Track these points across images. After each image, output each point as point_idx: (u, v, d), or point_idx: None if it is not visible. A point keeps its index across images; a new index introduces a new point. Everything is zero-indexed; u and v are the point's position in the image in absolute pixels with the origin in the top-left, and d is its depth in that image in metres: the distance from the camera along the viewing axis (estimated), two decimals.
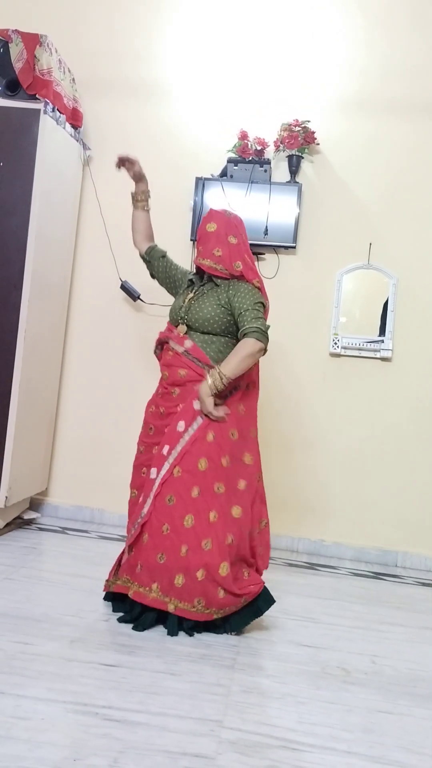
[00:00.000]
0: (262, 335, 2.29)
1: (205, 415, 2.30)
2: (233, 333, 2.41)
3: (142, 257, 2.73)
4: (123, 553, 2.42)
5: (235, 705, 1.82)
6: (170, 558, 2.22)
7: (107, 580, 2.45)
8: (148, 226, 2.74)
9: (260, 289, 2.42)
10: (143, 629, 2.24)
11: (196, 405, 2.33)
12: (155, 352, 2.59)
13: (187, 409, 2.35)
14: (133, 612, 2.29)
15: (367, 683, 2.05)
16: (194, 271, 2.59)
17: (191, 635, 2.25)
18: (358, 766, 1.59)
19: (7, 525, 3.23)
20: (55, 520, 3.51)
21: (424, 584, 3.16)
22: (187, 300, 2.47)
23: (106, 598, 2.45)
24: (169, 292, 2.71)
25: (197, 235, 2.52)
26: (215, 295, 2.42)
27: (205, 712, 1.76)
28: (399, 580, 3.19)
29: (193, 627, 2.27)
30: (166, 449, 2.32)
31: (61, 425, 3.63)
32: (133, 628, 2.24)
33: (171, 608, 2.21)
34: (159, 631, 2.25)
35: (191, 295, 2.48)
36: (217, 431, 2.31)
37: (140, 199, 2.71)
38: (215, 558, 2.22)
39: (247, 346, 2.28)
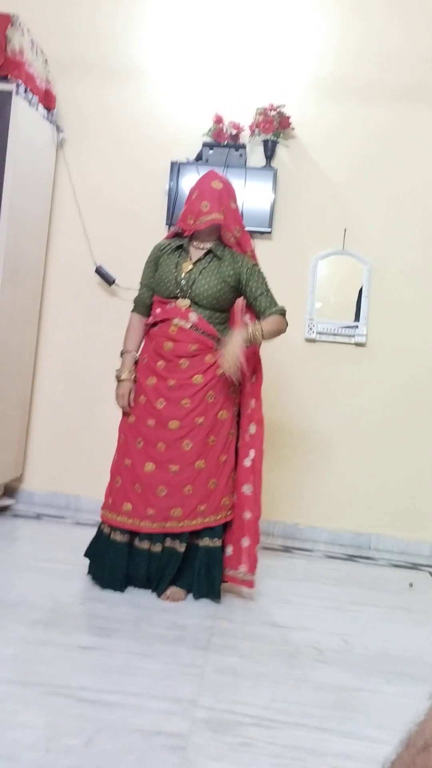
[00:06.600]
0: (285, 318, 2.49)
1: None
2: (230, 308, 2.54)
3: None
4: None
5: (209, 685, 1.85)
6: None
7: None
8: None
9: (255, 260, 2.56)
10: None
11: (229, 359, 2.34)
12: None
13: (203, 405, 2.44)
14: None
15: (339, 662, 2.09)
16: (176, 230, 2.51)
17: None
18: (329, 742, 1.63)
19: None
20: (31, 507, 3.49)
21: (395, 565, 3.21)
22: (186, 272, 2.42)
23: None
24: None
25: (198, 190, 2.44)
26: (219, 269, 2.43)
27: (180, 692, 1.78)
28: (372, 561, 3.24)
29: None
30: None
31: (36, 410, 3.60)
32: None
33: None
34: (135, 614, 2.26)
35: (191, 267, 2.43)
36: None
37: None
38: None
39: (282, 322, 2.47)
